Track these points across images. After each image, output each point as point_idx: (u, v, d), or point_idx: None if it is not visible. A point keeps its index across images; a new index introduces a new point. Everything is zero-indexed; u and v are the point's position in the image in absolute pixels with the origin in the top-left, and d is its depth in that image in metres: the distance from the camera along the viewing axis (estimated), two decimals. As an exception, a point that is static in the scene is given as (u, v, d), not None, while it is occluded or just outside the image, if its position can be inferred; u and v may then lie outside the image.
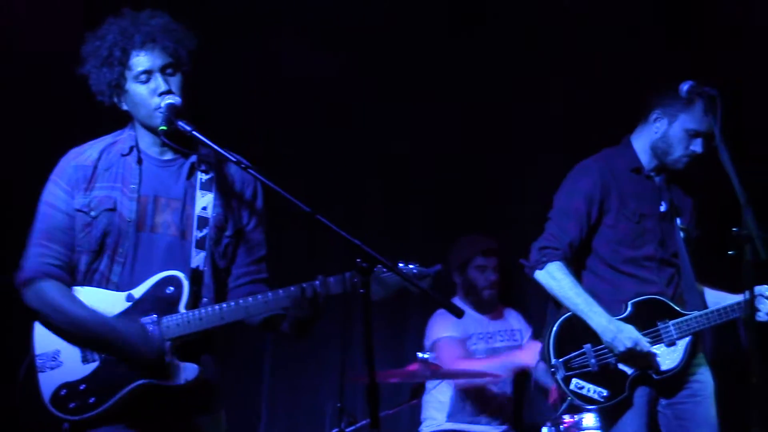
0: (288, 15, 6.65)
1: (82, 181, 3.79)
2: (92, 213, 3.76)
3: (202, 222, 3.81)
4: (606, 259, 5.07)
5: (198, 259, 3.78)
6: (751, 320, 4.20)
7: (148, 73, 3.75)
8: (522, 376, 6.46)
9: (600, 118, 5.90)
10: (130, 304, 3.70)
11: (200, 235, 3.80)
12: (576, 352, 4.95)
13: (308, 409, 6.64)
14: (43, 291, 3.71)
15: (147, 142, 3.86)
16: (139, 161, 3.83)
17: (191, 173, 3.85)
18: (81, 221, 3.76)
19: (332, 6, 6.65)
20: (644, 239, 5.07)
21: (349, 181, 6.83)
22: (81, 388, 3.63)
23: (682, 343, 4.99)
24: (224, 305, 3.70)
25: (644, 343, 4.90)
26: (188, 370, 3.67)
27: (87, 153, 3.85)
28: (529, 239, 5.10)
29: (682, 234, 5.14)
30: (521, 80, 6.83)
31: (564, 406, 5.06)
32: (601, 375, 4.93)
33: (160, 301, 3.68)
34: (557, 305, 5.04)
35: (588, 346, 4.95)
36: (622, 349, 4.88)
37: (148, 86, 3.75)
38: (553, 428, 5.37)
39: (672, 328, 4.98)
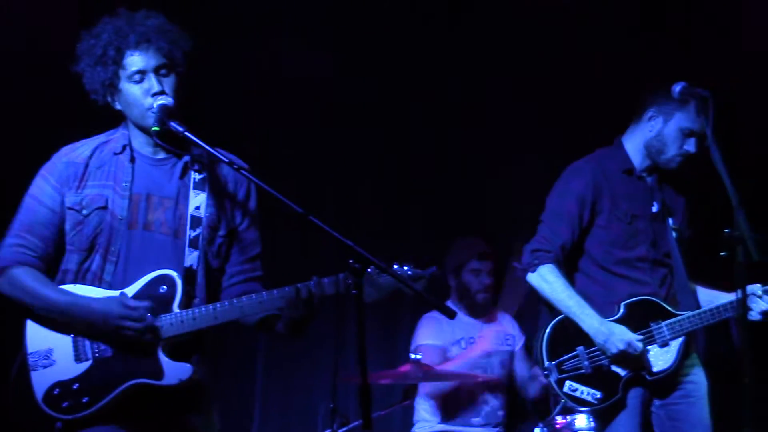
0: (284, 15, 6.64)
1: (73, 179, 3.79)
2: (84, 211, 3.76)
3: (195, 221, 3.80)
4: (598, 260, 5.07)
5: (191, 258, 3.77)
6: (744, 320, 4.21)
7: (142, 73, 3.75)
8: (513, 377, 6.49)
9: (596, 119, 5.90)
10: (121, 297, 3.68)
11: (193, 234, 3.79)
12: (569, 355, 4.95)
13: (301, 409, 6.64)
14: (14, 276, 3.72)
15: (140, 142, 3.86)
16: (132, 159, 3.83)
17: (184, 173, 3.85)
18: (73, 219, 3.76)
19: (328, 6, 6.65)
20: (636, 240, 5.07)
21: (346, 181, 6.83)
22: (74, 387, 3.62)
23: (675, 344, 4.99)
24: (218, 305, 3.70)
25: (637, 344, 4.90)
26: (182, 370, 3.66)
27: (79, 150, 3.85)
28: (525, 241, 5.11)
29: (674, 234, 5.14)
30: (518, 80, 6.83)
31: (558, 408, 5.07)
32: (595, 377, 4.93)
33: (154, 300, 3.67)
34: (550, 308, 5.04)
35: (581, 348, 4.95)
36: (614, 351, 4.89)
37: (142, 86, 3.75)
38: (545, 429, 5.38)
39: (665, 328, 4.99)
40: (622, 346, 4.88)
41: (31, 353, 3.68)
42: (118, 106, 3.84)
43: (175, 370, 3.66)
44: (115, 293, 3.69)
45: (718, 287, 5.10)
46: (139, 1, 3.89)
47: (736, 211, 4.16)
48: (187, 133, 3.68)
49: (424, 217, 6.95)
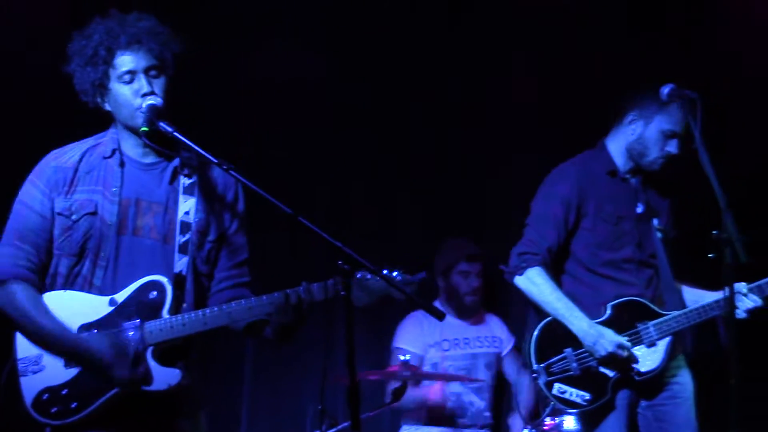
0: (280, 16, 6.63)
1: (62, 184, 3.78)
2: (73, 216, 3.75)
3: (185, 227, 3.80)
4: (585, 262, 5.10)
5: (181, 264, 3.77)
6: (731, 321, 4.23)
7: (132, 73, 3.75)
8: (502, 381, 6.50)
9: (597, 119, 5.90)
10: (113, 308, 3.69)
11: (183, 240, 3.79)
12: (557, 357, 4.97)
13: (289, 411, 6.62)
14: (13, 295, 3.70)
15: (129, 144, 3.85)
16: (122, 164, 3.82)
17: (173, 178, 3.84)
18: (62, 225, 3.75)
19: (325, 6, 6.64)
20: (622, 241, 5.10)
21: (343, 182, 6.83)
22: (63, 392, 3.62)
23: (663, 344, 5.02)
24: (207, 311, 3.70)
25: (626, 346, 4.92)
26: (170, 375, 3.66)
27: (68, 155, 3.84)
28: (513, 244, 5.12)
29: (659, 235, 5.17)
30: (518, 81, 6.84)
31: (547, 410, 5.08)
32: (583, 378, 4.95)
33: (143, 306, 3.67)
34: (537, 310, 5.06)
35: (569, 350, 4.97)
36: (603, 353, 4.91)
37: (131, 87, 3.75)
38: (533, 431, 5.38)
39: (652, 329, 5.01)
40: (611, 349, 4.90)
41: (21, 359, 3.67)
42: (107, 107, 3.83)
43: (163, 376, 3.65)
44: (105, 299, 3.69)
45: (703, 287, 5.13)
46: (133, 3, 3.89)
47: (723, 213, 4.17)
48: (175, 134, 3.68)
49: (423, 218, 6.95)
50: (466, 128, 6.97)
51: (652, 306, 5.06)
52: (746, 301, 4.95)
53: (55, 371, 3.64)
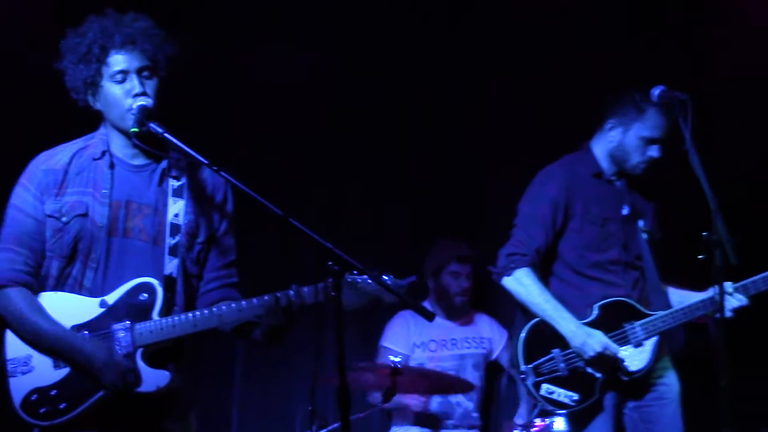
0: (273, 17, 6.62)
1: (53, 186, 3.77)
2: (64, 218, 3.74)
3: (175, 229, 3.79)
4: (572, 264, 5.10)
5: (171, 266, 3.77)
6: (722, 323, 4.24)
7: (125, 73, 3.74)
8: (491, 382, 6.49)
9: (588, 121, 5.91)
10: (103, 310, 3.68)
11: (173, 242, 3.79)
12: (545, 358, 4.98)
13: (279, 412, 6.62)
14: (10, 299, 3.69)
15: (119, 145, 3.84)
16: (111, 166, 3.81)
17: (162, 180, 3.83)
18: (52, 227, 3.75)
19: (315, 8, 6.64)
20: (608, 243, 5.11)
21: (330, 184, 6.83)
22: (52, 393, 3.61)
23: (650, 344, 5.03)
24: (197, 313, 3.69)
25: (613, 347, 4.93)
26: (160, 377, 3.66)
27: (58, 157, 3.83)
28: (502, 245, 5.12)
29: (645, 236, 5.18)
30: (518, 80, 6.84)
31: (535, 411, 5.09)
32: (571, 379, 4.96)
33: (134, 308, 3.67)
34: (525, 311, 5.07)
35: (557, 350, 4.98)
36: (591, 353, 4.91)
37: (123, 86, 3.74)
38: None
39: (638, 329, 5.02)
40: (599, 349, 4.91)
41: (10, 359, 3.66)
42: (98, 106, 3.82)
43: (153, 377, 3.65)
44: (96, 300, 3.68)
45: (691, 287, 5.14)
46: (131, 3, 3.89)
47: (714, 215, 4.19)
48: (166, 135, 3.67)
49: (416, 219, 6.95)
50: (462, 129, 6.98)
51: (639, 306, 5.07)
52: (732, 301, 4.96)
53: (44, 372, 3.63)
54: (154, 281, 3.71)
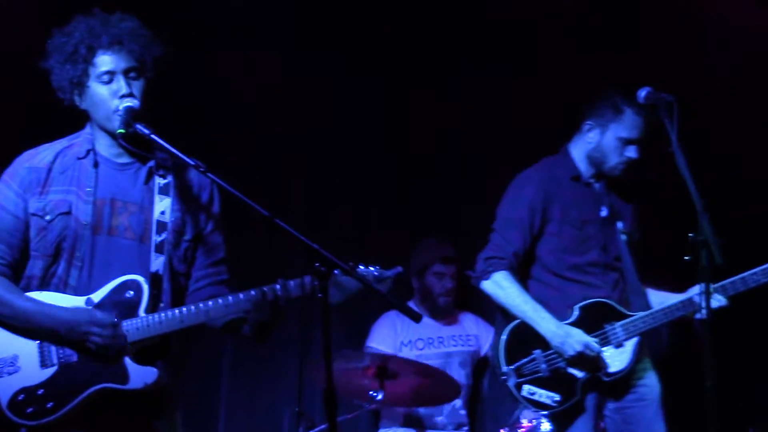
0: (254, 16, 6.62)
1: (36, 184, 3.77)
2: (47, 217, 3.74)
3: (161, 226, 3.80)
4: (551, 267, 5.13)
5: (157, 263, 3.77)
6: (708, 325, 4.25)
7: (111, 74, 3.74)
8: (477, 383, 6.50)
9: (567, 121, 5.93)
10: (89, 308, 3.67)
11: (159, 239, 3.79)
12: (526, 359, 4.99)
13: (267, 412, 6.62)
14: None
15: (104, 144, 3.84)
16: (96, 164, 3.81)
17: (149, 178, 3.84)
18: (36, 225, 3.74)
19: (286, 8, 6.65)
20: (587, 245, 5.13)
21: (312, 183, 6.82)
22: (39, 393, 3.60)
23: (630, 345, 5.05)
24: (184, 309, 3.69)
25: (594, 345, 4.95)
26: (147, 374, 3.66)
27: (41, 155, 3.83)
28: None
29: (623, 238, 5.20)
30: (484, 81, 6.85)
31: (516, 412, 5.10)
32: (553, 380, 4.98)
33: (120, 305, 3.67)
34: (505, 314, 5.08)
35: (538, 351, 4.99)
36: (571, 353, 4.93)
37: (110, 87, 3.74)
38: (509, 432, 5.39)
39: (619, 329, 5.04)
40: (579, 348, 4.93)
41: None
42: (83, 106, 3.82)
43: (140, 374, 3.65)
44: (82, 299, 3.68)
45: (671, 289, 5.16)
46: (128, 4, 3.89)
47: (700, 215, 4.20)
48: (153, 136, 3.67)
49: (401, 218, 6.95)
50: (446, 128, 6.98)
51: (619, 307, 5.09)
52: (711, 301, 4.97)
53: (31, 372, 3.62)
54: (140, 278, 3.70)
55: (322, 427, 5.43)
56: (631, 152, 5.11)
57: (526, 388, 4.96)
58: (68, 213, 3.74)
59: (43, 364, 3.64)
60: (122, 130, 3.69)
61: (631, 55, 6.60)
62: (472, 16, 6.81)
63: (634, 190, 5.31)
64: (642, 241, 5.28)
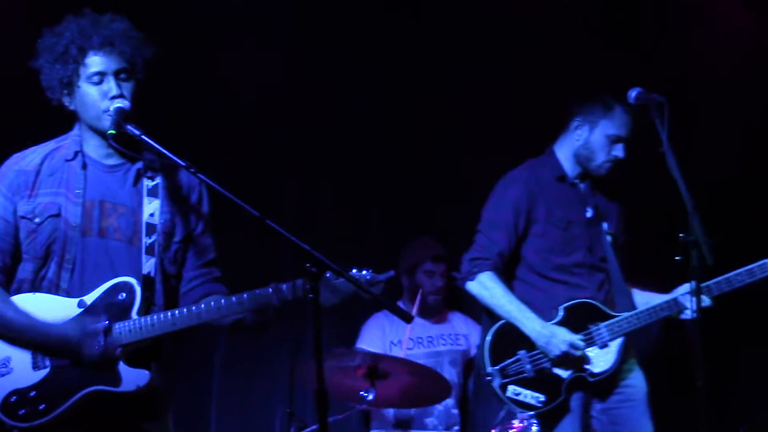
0: (246, 16, 6.63)
1: (24, 187, 3.77)
2: (37, 219, 3.74)
3: (150, 228, 3.80)
4: (536, 267, 5.14)
5: (149, 265, 3.77)
6: (698, 325, 4.25)
7: (102, 74, 3.74)
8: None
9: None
10: (81, 310, 3.67)
11: (149, 241, 3.79)
12: (511, 359, 5.01)
13: (258, 413, 6.62)
14: None
15: (92, 145, 3.83)
16: (84, 166, 3.80)
17: (137, 180, 3.84)
18: (26, 228, 3.75)
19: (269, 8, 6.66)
20: (573, 246, 5.14)
21: (311, 183, 6.83)
22: (31, 394, 3.60)
23: (615, 345, 5.07)
24: (176, 312, 3.69)
25: (579, 344, 4.96)
26: (139, 376, 3.66)
27: (29, 158, 3.83)
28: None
29: (609, 238, 5.21)
30: (484, 81, 6.85)
31: (502, 413, 5.10)
32: (538, 380, 4.99)
33: (112, 307, 3.67)
34: (491, 315, 5.09)
35: (523, 352, 5.01)
36: (556, 352, 4.95)
37: (100, 88, 3.74)
38: (501, 433, 5.38)
39: (604, 330, 5.05)
40: (564, 348, 4.94)
41: None
42: (72, 107, 3.82)
43: (132, 377, 3.65)
44: (74, 301, 3.68)
45: (658, 290, 5.18)
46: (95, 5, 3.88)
47: (690, 216, 4.21)
48: (143, 137, 3.66)
49: (392, 218, 6.96)
50: (446, 128, 6.99)
51: (604, 308, 5.10)
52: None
53: (23, 373, 3.62)
54: (133, 280, 3.70)
55: (313, 427, 5.43)
56: (618, 151, 5.13)
57: (511, 389, 4.98)
58: (58, 215, 3.74)
59: (36, 366, 3.64)
60: (113, 131, 3.68)
61: (630, 55, 6.60)
62: (472, 16, 6.82)
63: (619, 191, 5.32)
64: (632, 242, 5.30)
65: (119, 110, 3.70)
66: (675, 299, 5.01)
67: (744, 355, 6.55)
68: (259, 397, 6.65)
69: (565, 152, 5.24)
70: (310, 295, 3.46)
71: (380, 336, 6.44)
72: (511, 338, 5.00)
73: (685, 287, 4.96)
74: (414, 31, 6.89)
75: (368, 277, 3.73)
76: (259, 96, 6.62)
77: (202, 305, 3.70)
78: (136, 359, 3.66)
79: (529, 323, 4.98)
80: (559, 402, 4.98)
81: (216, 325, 3.82)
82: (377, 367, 5.48)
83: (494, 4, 6.81)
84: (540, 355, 4.99)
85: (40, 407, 3.59)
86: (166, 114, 5.92)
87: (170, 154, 3.63)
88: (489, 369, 4.99)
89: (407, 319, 3.70)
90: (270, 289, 3.70)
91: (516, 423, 4.96)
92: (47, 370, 3.63)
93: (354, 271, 3.72)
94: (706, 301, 4.93)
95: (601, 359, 5.03)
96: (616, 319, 5.06)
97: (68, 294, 3.70)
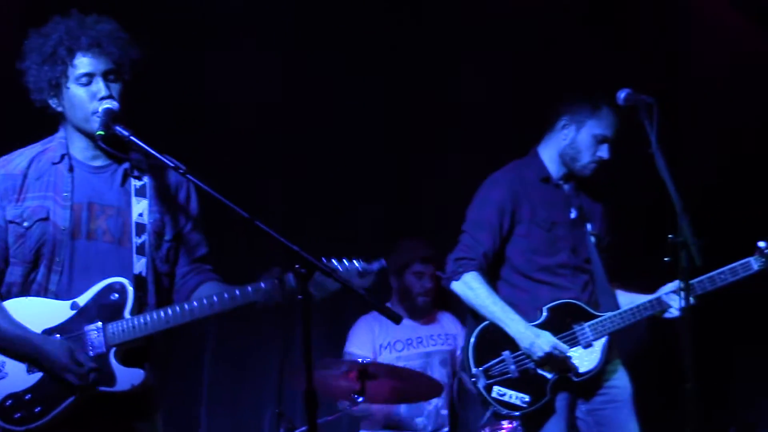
0: (240, 16, 6.63)
1: (12, 192, 3.76)
2: (25, 224, 3.73)
3: (140, 228, 3.80)
4: (520, 268, 5.14)
5: (140, 265, 3.77)
6: (688, 326, 4.26)
7: (90, 76, 3.73)
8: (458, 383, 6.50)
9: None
10: (74, 312, 3.68)
11: (139, 241, 3.78)
12: (495, 360, 5.01)
13: (247, 413, 6.62)
14: None
15: (78, 148, 3.83)
16: (71, 169, 3.80)
17: (124, 180, 3.83)
18: (15, 232, 3.74)
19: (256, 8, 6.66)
20: (557, 247, 5.15)
21: (311, 183, 6.84)
22: (26, 398, 3.60)
23: (599, 345, 5.07)
24: (169, 310, 3.70)
25: (562, 347, 4.97)
26: (134, 376, 3.66)
27: (15, 161, 3.82)
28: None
29: (593, 239, 5.22)
30: (484, 81, 6.85)
31: (488, 414, 5.10)
32: (522, 381, 5.00)
33: (105, 308, 3.67)
34: (475, 315, 5.10)
35: (507, 352, 5.01)
36: (540, 354, 4.95)
37: (89, 89, 3.73)
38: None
39: (587, 329, 5.06)
40: (547, 349, 4.94)
41: None
42: (59, 109, 3.81)
43: (127, 376, 3.65)
44: (66, 303, 3.68)
45: (646, 290, 5.18)
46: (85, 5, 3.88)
47: (679, 217, 4.21)
48: (132, 137, 3.66)
49: (381, 218, 6.96)
50: (446, 128, 6.99)
51: (587, 308, 5.11)
52: (679, 300, 4.98)
53: (18, 377, 3.62)
54: (125, 281, 3.70)
55: (303, 428, 5.42)
56: (603, 152, 5.13)
57: (496, 389, 4.98)
58: (46, 219, 3.73)
59: (30, 369, 3.63)
60: (101, 132, 3.68)
61: (622, 55, 6.59)
62: (472, 15, 6.82)
63: (604, 192, 5.33)
64: (620, 243, 5.31)
65: (108, 111, 3.69)
66: (658, 298, 5.03)
67: (735, 354, 6.55)
68: (249, 398, 6.64)
69: (550, 153, 5.24)
70: (299, 297, 3.45)
71: (369, 338, 6.42)
72: (495, 339, 5.01)
73: (669, 286, 5.00)
74: (414, 31, 6.89)
75: (359, 268, 3.74)
76: (259, 96, 6.62)
77: (195, 303, 3.71)
78: (130, 359, 3.67)
79: (513, 324, 4.99)
80: (544, 402, 4.98)
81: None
82: (367, 372, 5.49)
83: (494, 4, 6.82)
84: (524, 356, 4.99)
85: (36, 410, 3.59)
86: (166, 114, 5.92)
87: (158, 155, 3.62)
88: (473, 370, 4.99)
89: (396, 320, 3.69)
90: (263, 284, 3.71)
91: (506, 424, 4.96)
92: (42, 373, 3.62)
93: (344, 261, 3.73)
94: (690, 299, 4.94)
95: (585, 359, 5.04)
96: (600, 318, 5.07)
97: (57, 297, 3.69)
